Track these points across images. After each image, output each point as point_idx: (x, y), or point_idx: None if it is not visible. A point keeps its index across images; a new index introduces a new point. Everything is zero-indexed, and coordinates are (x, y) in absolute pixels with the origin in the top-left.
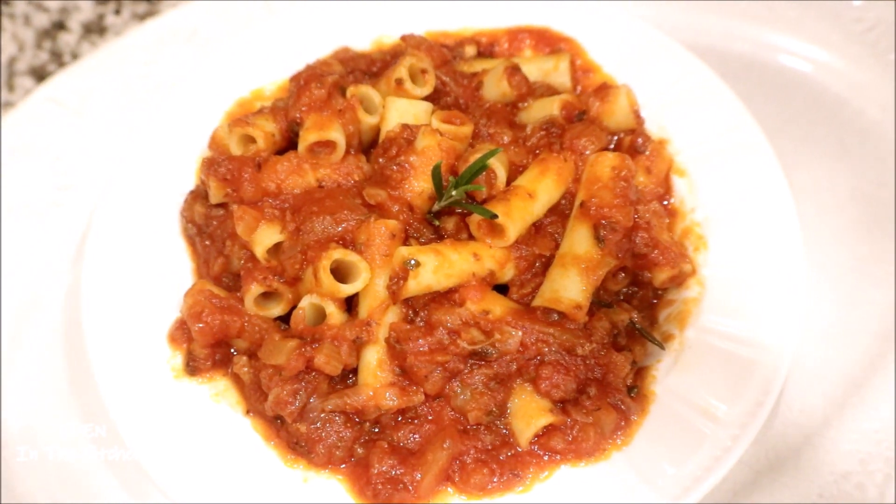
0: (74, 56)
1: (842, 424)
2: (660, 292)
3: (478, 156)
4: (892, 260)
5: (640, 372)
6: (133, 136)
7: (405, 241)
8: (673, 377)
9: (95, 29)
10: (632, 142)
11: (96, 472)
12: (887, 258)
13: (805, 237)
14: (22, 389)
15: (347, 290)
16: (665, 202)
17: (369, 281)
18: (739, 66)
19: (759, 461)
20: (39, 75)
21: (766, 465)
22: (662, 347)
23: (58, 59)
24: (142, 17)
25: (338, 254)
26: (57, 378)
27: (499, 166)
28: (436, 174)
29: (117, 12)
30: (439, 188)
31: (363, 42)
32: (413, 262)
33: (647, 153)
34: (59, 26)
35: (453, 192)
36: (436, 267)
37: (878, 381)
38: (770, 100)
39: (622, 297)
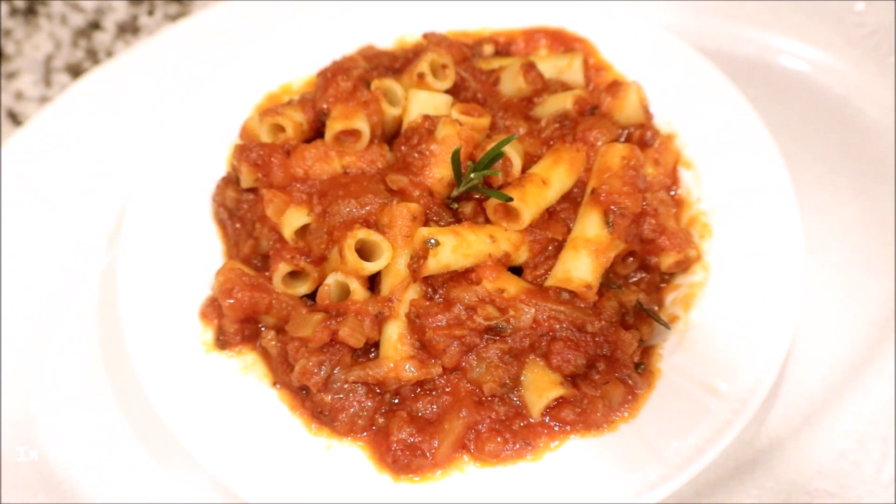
0: (109, 54)
1: (840, 406)
2: (667, 277)
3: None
4: (891, 252)
5: (646, 350)
6: (166, 125)
7: (425, 224)
8: (678, 355)
9: (129, 29)
10: (641, 135)
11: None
12: (886, 250)
13: (807, 230)
14: (56, 366)
15: (371, 267)
16: (672, 192)
17: (391, 260)
18: (745, 68)
19: (761, 440)
20: (75, 72)
21: (767, 443)
22: (668, 327)
23: (93, 57)
24: (173, 18)
25: (362, 233)
26: (91, 354)
27: (514, 155)
28: (455, 159)
29: (150, 13)
30: (458, 173)
31: (387, 40)
32: (433, 241)
33: (656, 146)
34: (95, 26)
35: (472, 177)
36: (454, 247)
37: (876, 366)
38: (774, 100)
39: (631, 281)
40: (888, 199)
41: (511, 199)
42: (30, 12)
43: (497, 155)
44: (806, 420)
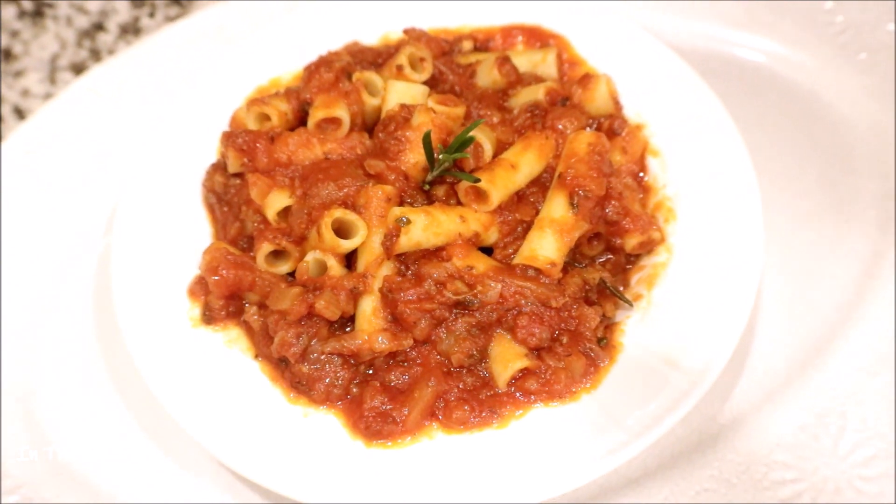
0: (111, 54)
1: (801, 383)
2: (632, 258)
3: None
4: (854, 239)
5: (610, 326)
6: (162, 117)
7: (400, 206)
8: (640, 331)
9: (131, 30)
10: (610, 125)
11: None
12: (849, 238)
13: (774, 219)
14: (54, 344)
15: (347, 245)
16: (639, 179)
17: (366, 238)
18: (718, 65)
19: (724, 415)
20: (79, 70)
21: (730, 418)
22: (630, 304)
23: (96, 57)
24: (173, 20)
25: (339, 213)
26: (88, 332)
27: (485, 141)
28: (426, 142)
29: (151, 15)
30: (430, 156)
31: (372, 37)
32: (405, 219)
33: (624, 135)
34: (98, 27)
35: (442, 159)
36: (425, 225)
37: (836, 346)
38: (747, 95)
39: (598, 262)
40: (853, 189)
41: (478, 181)
42: (37, 14)
43: (467, 140)
44: (768, 397)
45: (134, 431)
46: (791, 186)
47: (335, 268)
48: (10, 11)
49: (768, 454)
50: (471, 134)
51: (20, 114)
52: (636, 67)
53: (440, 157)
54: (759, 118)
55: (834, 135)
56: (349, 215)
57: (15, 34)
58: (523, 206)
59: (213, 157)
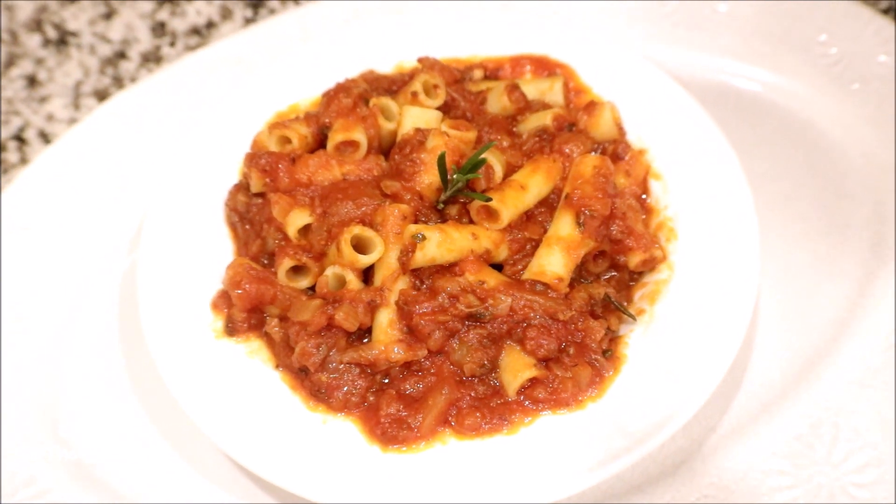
0: (133, 81)
1: (796, 396)
2: (636, 276)
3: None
4: (848, 259)
5: (614, 339)
6: (185, 140)
7: (415, 223)
8: (643, 344)
9: (152, 58)
10: (614, 149)
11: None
12: (843, 258)
13: (772, 239)
14: (79, 356)
15: (365, 260)
16: (642, 201)
17: (383, 254)
18: (717, 94)
19: (723, 426)
20: (102, 97)
21: (729, 429)
22: (634, 318)
23: (119, 84)
24: (193, 49)
25: (357, 230)
26: (113, 346)
27: (496, 163)
28: (440, 163)
29: (172, 44)
30: (444, 176)
31: (386, 66)
32: (420, 235)
33: (627, 159)
34: (121, 55)
35: (456, 179)
36: (439, 242)
37: (831, 360)
38: (744, 123)
39: (603, 279)
40: (847, 212)
41: (490, 200)
42: (61, 42)
43: (479, 161)
44: (764, 408)
45: (157, 440)
46: (787, 209)
47: (353, 282)
48: (35, 40)
49: (765, 462)
50: (483, 156)
51: (45, 138)
52: (639, 95)
53: (454, 177)
54: (756, 145)
55: (828, 161)
56: (367, 232)
57: (40, 62)
58: (532, 225)
59: (234, 178)
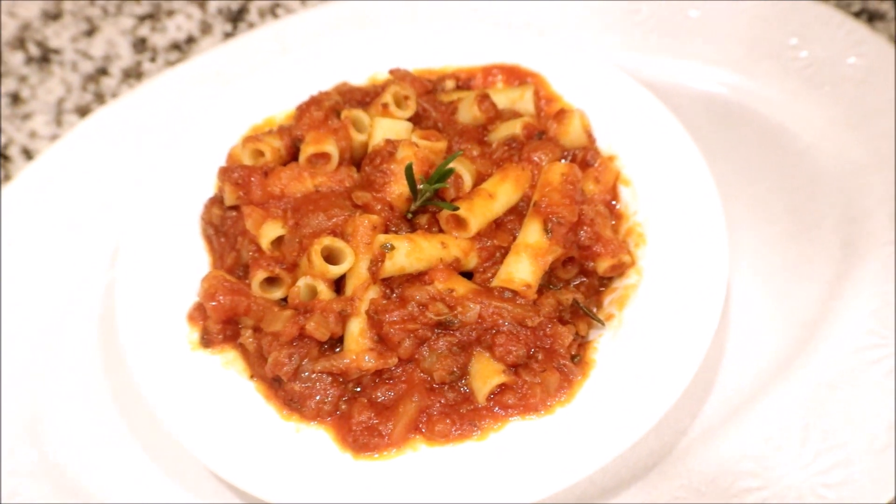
0: (115, 97)
1: (767, 398)
2: (605, 281)
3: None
4: (818, 262)
5: (583, 344)
6: (162, 155)
7: (385, 233)
8: (611, 348)
9: (133, 74)
10: (584, 156)
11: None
12: (814, 261)
13: (742, 244)
14: (60, 370)
15: (335, 270)
16: (612, 207)
17: (354, 264)
18: (690, 100)
19: (694, 429)
20: (84, 113)
21: (700, 431)
22: (602, 323)
23: (100, 100)
24: (174, 64)
25: (328, 240)
26: (93, 357)
27: (465, 172)
28: (408, 173)
29: (153, 60)
30: (413, 186)
31: (360, 78)
32: (389, 245)
33: (597, 166)
34: (102, 72)
35: (423, 189)
36: (408, 251)
37: (800, 362)
38: (717, 128)
39: (573, 285)
40: (818, 214)
41: (457, 209)
42: (43, 60)
43: (447, 171)
44: (735, 411)
45: (137, 451)
46: (759, 212)
47: (325, 292)
48: (18, 58)
49: (735, 464)
50: (450, 166)
51: (28, 154)
52: (609, 102)
53: (422, 187)
54: (728, 149)
55: (799, 163)
56: (337, 243)
57: (23, 79)
58: (501, 233)
59: (211, 191)
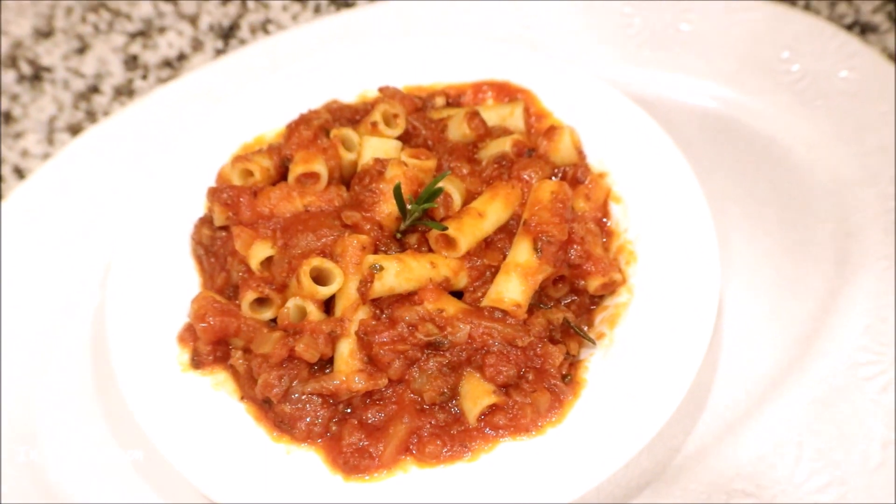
0: (106, 114)
1: (760, 415)
2: (597, 299)
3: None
4: (812, 277)
5: (574, 364)
6: (152, 174)
7: (374, 253)
8: (602, 367)
9: (125, 92)
10: (574, 174)
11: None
12: (807, 276)
13: (734, 260)
14: (53, 390)
15: (324, 291)
16: (604, 224)
17: (343, 285)
18: (682, 114)
19: (687, 447)
20: (76, 131)
21: (693, 450)
22: (593, 342)
23: (92, 118)
24: (165, 81)
25: (317, 261)
26: (85, 377)
27: (454, 191)
28: (397, 193)
29: (144, 77)
30: (402, 206)
31: (350, 96)
32: (378, 266)
33: (587, 183)
34: (94, 89)
35: (412, 209)
36: (397, 272)
37: (794, 378)
38: (709, 143)
39: (564, 303)
40: (811, 229)
41: (446, 229)
42: (35, 78)
43: (436, 191)
44: (729, 428)
45: (128, 471)
46: (751, 228)
47: (314, 313)
48: (9, 76)
49: (729, 483)
50: (439, 185)
51: (20, 173)
52: (600, 119)
53: (411, 207)
54: (720, 164)
55: (792, 178)
56: (326, 263)
57: (14, 97)
58: (491, 252)
59: (201, 211)
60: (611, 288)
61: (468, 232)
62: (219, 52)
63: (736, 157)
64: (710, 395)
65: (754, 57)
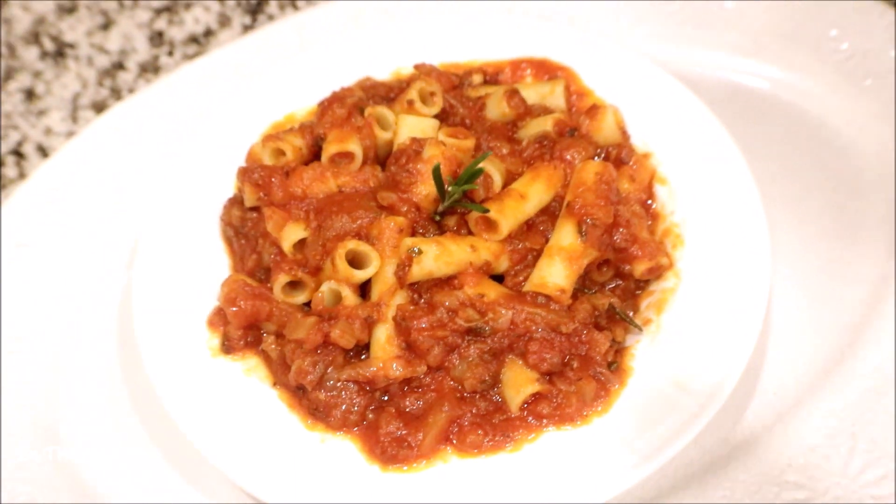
0: (132, 92)
1: (811, 404)
2: (642, 284)
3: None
4: (861, 262)
5: (620, 350)
6: (180, 153)
7: (412, 236)
8: (649, 355)
9: (150, 68)
10: (618, 154)
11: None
12: (856, 260)
13: (781, 244)
14: (79, 376)
15: (361, 275)
16: (648, 207)
17: (379, 268)
18: (726, 94)
19: (735, 437)
20: (100, 109)
21: (741, 439)
22: (640, 328)
23: (117, 95)
24: (191, 58)
25: (352, 244)
26: (111, 362)
27: (494, 172)
28: (436, 174)
29: (170, 54)
30: (440, 188)
31: (383, 73)
32: (416, 249)
33: (631, 164)
34: (119, 66)
35: (452, 191)
36: (436, 255)
37: (846, 367)
38: (754, 123)
39: (608, 288)
40: (860, 212)
41: (487, 211)
42: (59, 55)
43: (477, 171)
44: (779, 418)
45: (157, 460)
46: (799, 211)
47: (350, 297)
48: (32, 52)
49: (780, 475)
50: (480, 165)
51: (43, 152)
52: (642, 97)
53: (450, 188)
54: (766, 145)
55: (841, 159)
56: (363, 246)
57: (37, 74)
58: (533, 235)
59: (230, 191)
60: (657, 272)
61: (510, 214)
62: (246, 28)
63: (782, 137)
64: (758, 383)
65: (801, 35)
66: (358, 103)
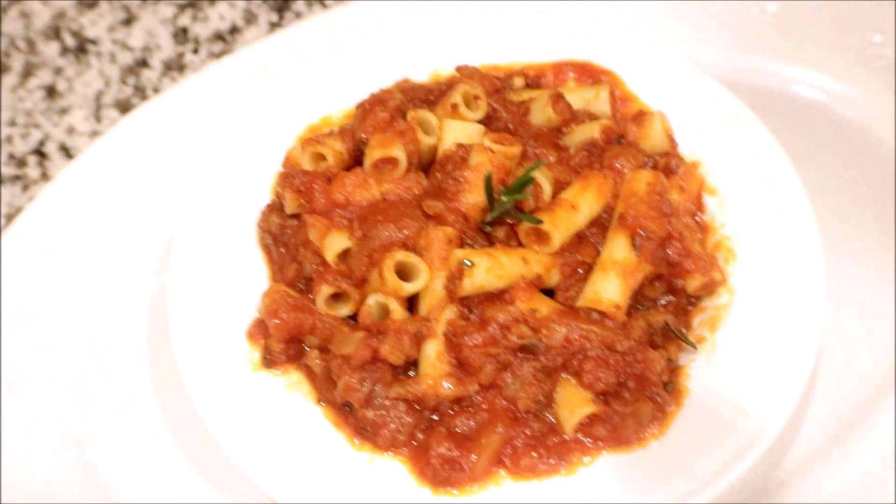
0: (156, 90)
1: (866, 427)
2: (694, 300)
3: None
4: None
5: (674, 370)
6: (212, 156)
7: (460, 247)
8: (705, 374)
9: (175, 66)
10: (666, 163)
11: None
12: None
13: (831, 257)
14: (108, 388)
15: (409, 288)
16: (697, 218)
17: (429, 281)
18: (768, 99)
19: (789, 461)
20: (124, 107)
21: (794, 465)
22: (695, 347)
23: (141, 94)
24: (218, 56)
25: (401, 255)
26: (142, 375)
27: (544, 181)
28: (487, 184)
29: (195, 51)
30: (491, 198)
31: (422, 74)
32: (468, 262)
33: (680, 173)
34: (143, 63)
35: (503, 201)
36: (488, 268)
37: None
38: (797, 130)
39: (659, 304)
40: None
41: (541, 223)
42: (80, 51)
43: (527, 180)
44: (833, 440)
45: (194, 478)
46: (847, 224)
47: (398, 311)
48: (53, 48)
49: (835, 500)
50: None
51: (67, 152)
52: (687, 103)
53: (502, 198)
54: (811, 154)
55: (888, 170)
56: (411, 258)
57: (58, 71)
58: (584, 247)
59: (265, 196)
60: (711, 288)
61: (562, 226)
62: (273, 26)
63: (827, 146)
64: (810, 406)
65: (844, 40)
66: (400, 106)
